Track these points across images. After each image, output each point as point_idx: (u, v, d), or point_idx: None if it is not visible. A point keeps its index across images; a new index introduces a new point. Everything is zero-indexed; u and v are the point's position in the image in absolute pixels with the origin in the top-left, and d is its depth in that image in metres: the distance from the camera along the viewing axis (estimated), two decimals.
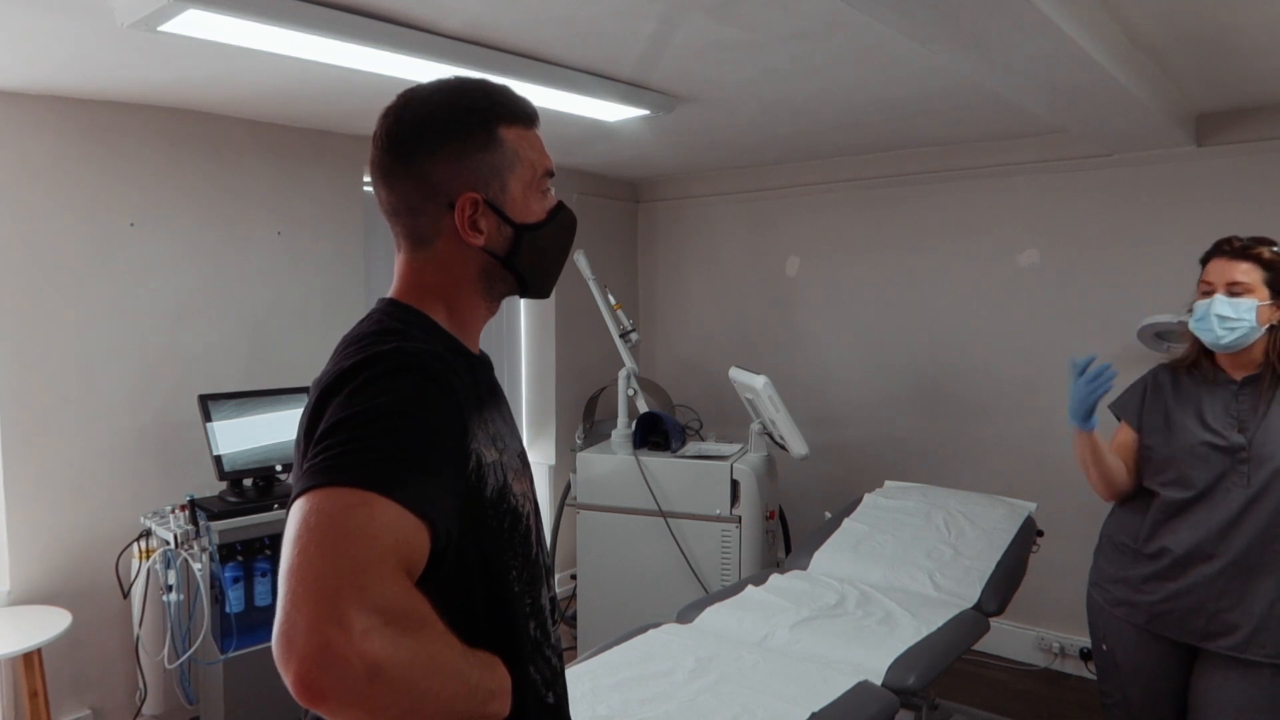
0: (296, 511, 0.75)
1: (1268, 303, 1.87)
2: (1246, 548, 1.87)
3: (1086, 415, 2.01)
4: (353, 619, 0.68)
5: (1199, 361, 1.99)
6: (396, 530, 0.75)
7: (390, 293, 1.01)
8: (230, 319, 3.22)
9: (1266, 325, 1.88)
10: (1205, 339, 1.93)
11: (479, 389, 0.97)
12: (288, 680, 0.69)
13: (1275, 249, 1.89)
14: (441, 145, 0.95)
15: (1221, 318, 1.87)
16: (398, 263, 1.02)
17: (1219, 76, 2.75)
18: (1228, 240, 1.94)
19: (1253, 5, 2.13)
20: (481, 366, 1.04)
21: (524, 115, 1.00)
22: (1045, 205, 3.67)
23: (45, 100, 2.75)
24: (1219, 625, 1.91)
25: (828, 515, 3.18)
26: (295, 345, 3.38)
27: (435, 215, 0.97)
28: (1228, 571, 1.89)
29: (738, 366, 3.41)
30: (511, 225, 0.98)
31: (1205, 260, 1.97)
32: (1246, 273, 1.87)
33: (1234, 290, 1.87)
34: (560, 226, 1.04)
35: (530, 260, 1.01)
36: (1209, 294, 1.91)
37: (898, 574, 2.70)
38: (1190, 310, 1.96)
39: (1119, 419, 2.13)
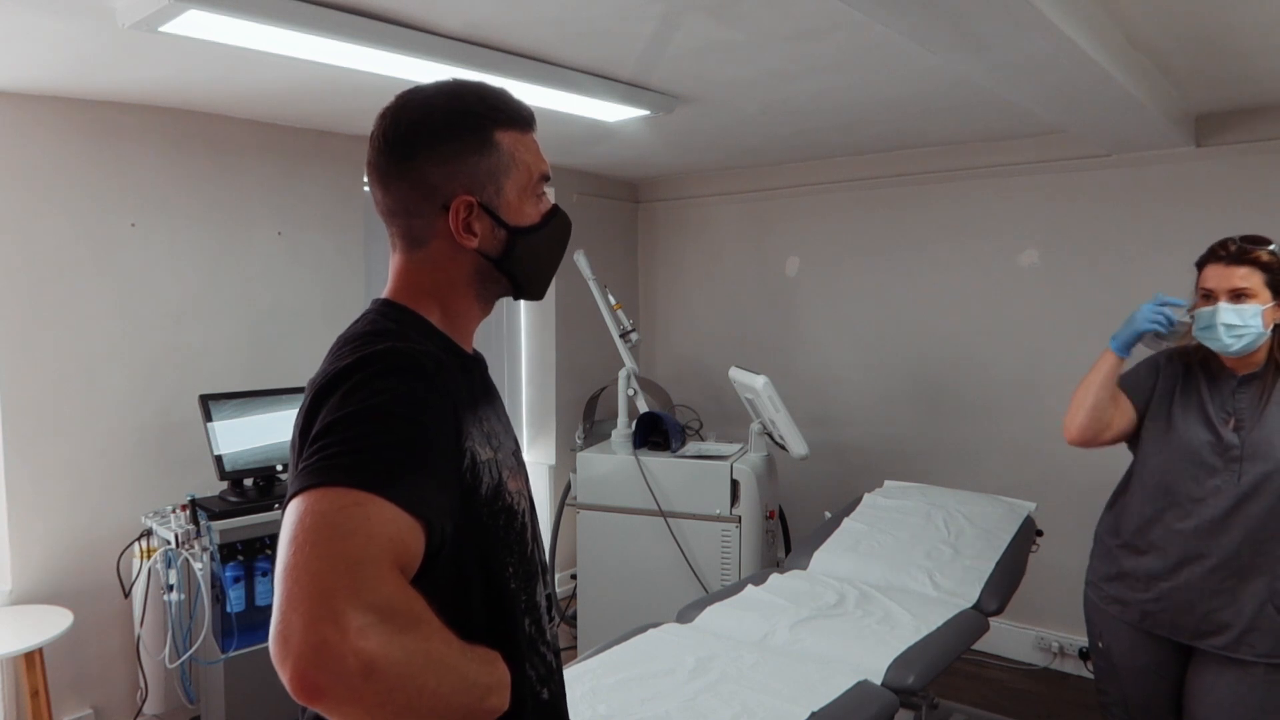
0: (292, 512, 0.76)
1: (1271, 304, 1.85)
2: (1237, 548, 1.87)
3: (1131, 343, 1.99)
4: (348, 617, 0.69)
5: (1207, 356, 1.98)
6: (391, 529, 0.76)
7: (385, 293, 1.01)
8: (231, 319, 3.23)
9: (1271, 326, 1.87)
10: (1213, 347, 1.90)
11: (473, 388, 0.98)
12: (284, 679, 0.70)
13: (1271, 249, 1.87)
14: (437, 148, 0.96)
15: (1229, 326, 1.85)
16: (393, 263, 1.02)
17: (1218, 77, 2.75)
18: (1223, 244, 1.91)
19: (1252, 6, 2.13)
20: (476, 366, 1.04)
21: (520, 119, 1.00)
22: (1045, 205, 3.67)
23: (46, 101, 2.76)
24: (1211, 624, 1.91)
25: (828, 515, 3.18)
26: (295, 345, 3.38)
27: (430, 217, 0.97)
28: (1219, 571, 1.89)
29: (738, 366, 3.41)
30: (506, 228, 0.99)
31: (1200, 265, 1.94)
32: (1246, 277, 1.85)
33: (1236, 296, 1.85)
34: (555, 230, 1.04)
35: (524, 263, 1.02)
36: (1209, 300, 1.89)
37: (897, 574, 2.70)
38: (1191, 317, 1.93)
39: (1122, 390, 2.10)
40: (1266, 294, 1.85)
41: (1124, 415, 2.06)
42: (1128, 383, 2.09)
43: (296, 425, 0.90)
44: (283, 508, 0.79)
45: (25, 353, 2.76)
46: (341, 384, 0.84)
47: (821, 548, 2.91)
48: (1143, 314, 1.99)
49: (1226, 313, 1.85)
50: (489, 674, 0.84)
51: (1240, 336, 1.86)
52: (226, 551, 2.77)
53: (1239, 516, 1.87)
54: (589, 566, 3.52)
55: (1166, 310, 1.98)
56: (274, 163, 3.32)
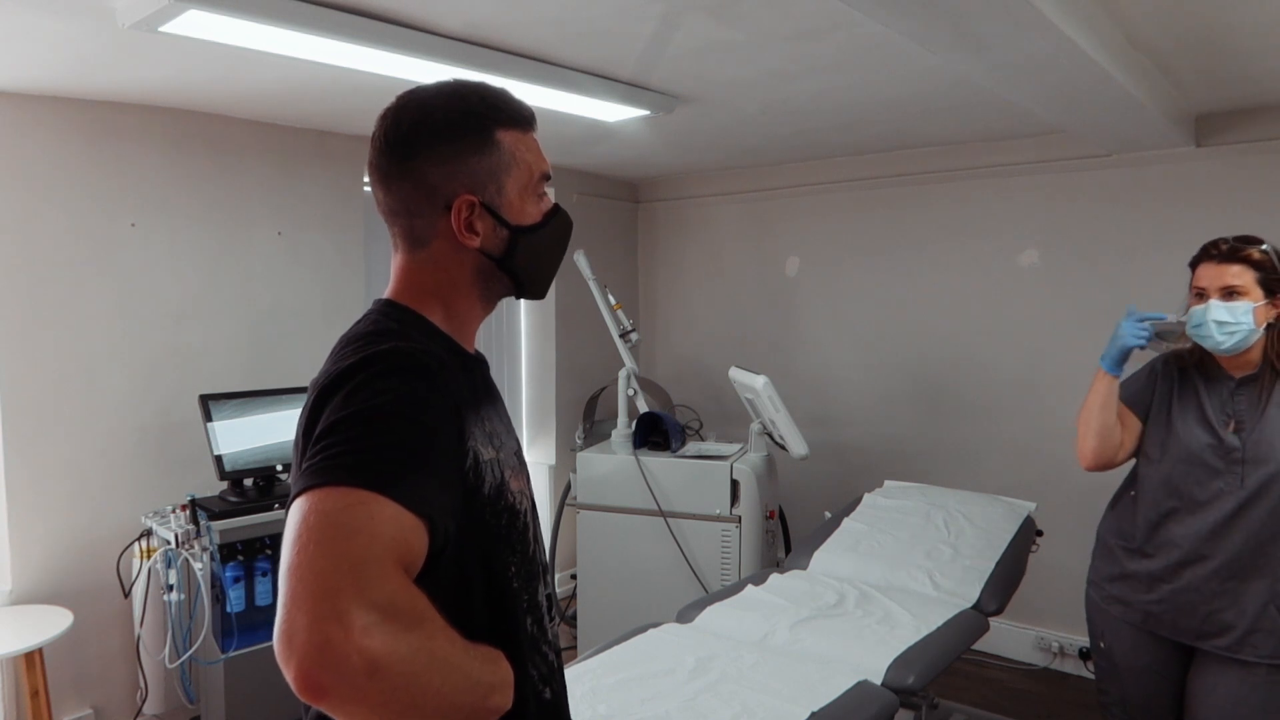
0: (296, 511, 0.76)
1: (1263, 303, 1.86)
2: (1239, 549, 1.87)
3: (1120, 360, 2.00)
4: (352, 616, 0.69)
5: (1203, 359, 1.99)
6: (395, 528, 0.76)
7: (387, 293, 1.02)
8: (231, 319, 3.23)
9: (1264, 325, 1.88)
10: (1206, 345, 1.91)
11: (475, 388, 0.98)
12: (289, 677, 0.70)
13: (1263, 248, 1.89)
14: (438, 148, 0.96)
15: (1220, 323, 1.86)
16: (394, 263, 1.02)
17: (1218, 77, 2.76)
18: (1214, 244, 1.92)
19: (1252, 5, 2.13)
20: (478, 366, 1.05)
21: (521, 118, 1.01)
22: (1045, 205, 3.68)
23: (46, 101, 2.76)
24: (1213, 625, 1.91)
25: (828, 515, 3.18)
26: (295, 345, 3.38)
27: (432, 217, 0.97)
28: (1221, 573, 1.89)
29: (738, 366, 3.41)
30: (507, 227, 0.99)
31: (1194, 265, 1.96)
32: (1238, 275, 1.86)
33: (1228, 294, 1.87)
34: (556, 229, 1.05)
35: (526, 262, 1.02)
36: (1202, 299, 1.90)
37: (897, 574, 2.70)
38: (1186, 316, 1.95)
39: (1124, 404, 2.10)
40: (1258, 292, 1.86)
41: (1132, 431, 2.06)
42: (1127, 395, 2.09)
43: (300, 425, 0.90)
44: (286, 507, 0.79)
45: (25, 353, 2.75)
46: (344, 384, 0.84)
47: (821, 548, 2.91)
48: (1125, 330, 2.00)
49: (1218, 310, 1.87)
50: (492, 673, 0.85)
51: (1232, 334, 1.87)
52: (226, 551, 2.77)
53: (1242, 519, 1.87)
54: (589, 566, 3.52)
55: (1146, 324, 1.99)
56: (274, 163, 3.32)
